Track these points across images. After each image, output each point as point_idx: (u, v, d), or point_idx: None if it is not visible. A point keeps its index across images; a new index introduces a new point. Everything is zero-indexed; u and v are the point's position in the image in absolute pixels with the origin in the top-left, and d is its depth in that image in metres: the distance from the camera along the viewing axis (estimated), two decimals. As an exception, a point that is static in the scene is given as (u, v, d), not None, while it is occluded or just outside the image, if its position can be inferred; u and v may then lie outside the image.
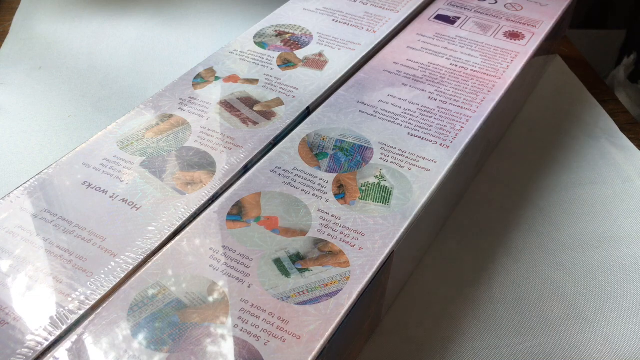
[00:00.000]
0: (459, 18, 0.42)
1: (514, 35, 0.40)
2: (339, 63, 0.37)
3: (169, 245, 0.26)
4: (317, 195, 0.28)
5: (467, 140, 0.32)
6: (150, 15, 0.51)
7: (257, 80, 0.35)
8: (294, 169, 0.30)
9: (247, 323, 0.23)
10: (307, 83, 0.35)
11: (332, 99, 0.34)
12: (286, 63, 0.37)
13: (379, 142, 0.31)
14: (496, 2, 0.44)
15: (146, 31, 0.49)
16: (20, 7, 0.51)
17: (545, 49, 0.42)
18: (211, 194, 0.28)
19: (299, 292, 0.24)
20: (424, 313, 0.30)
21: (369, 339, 0.28)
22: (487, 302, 0.31)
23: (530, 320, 0.30)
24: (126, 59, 0.46)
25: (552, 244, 0.34)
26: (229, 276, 0.24)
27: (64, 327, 0.23)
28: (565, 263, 0.33)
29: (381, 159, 0.30)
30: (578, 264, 0.33)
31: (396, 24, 0.41)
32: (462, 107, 0.34)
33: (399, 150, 0.31)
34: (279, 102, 0.33)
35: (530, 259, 0.33)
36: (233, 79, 0.35)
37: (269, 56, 0.37)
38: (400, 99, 0.34)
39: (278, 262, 0.25)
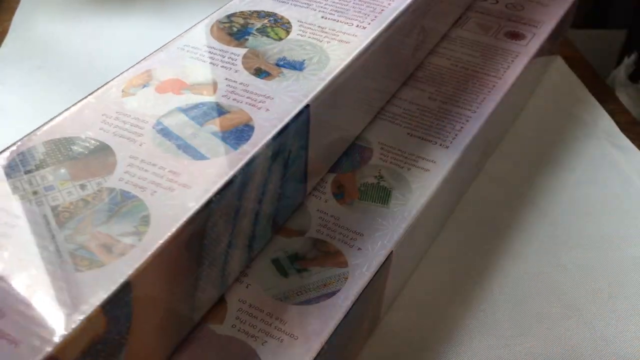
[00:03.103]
0: (459, 18, 0.42)
1: (514, 35, 0.40)
2: None
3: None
4: None
5: (467, 140, 0.32)
6: (150, 15, 0.51)
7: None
8: None
9: (244, 323, 0.23)
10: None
11: None
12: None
13: (379, 142, 0.31)
14: (497, 2, 0.44)
15: (146, 31, 0.49)
16: (20, 6, 0.51)
17: (546, 50, 0.42)
18: None
19: (297, 293, 0.24)
20: (423, 313, 0.30)
21: (368, 339, 0.28)
22: (486, 302, 0.31)
23: (530, 320, 0.30)
24: (126, 59, 0.46)
25: (552, 244, 0.34)
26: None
27: None
28: (565, 263, 0.33)
29: (381, 159, 0.30)
30: (578, 264, 0.33)
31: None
32: (462, 107, 0.34)
33: (399, 150, 0.31)
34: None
35: (530, 259, 0.33)
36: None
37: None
38: (400, 98, 0.34)
39: (276, 262, 0.25)
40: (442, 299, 0.31)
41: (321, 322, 0.23)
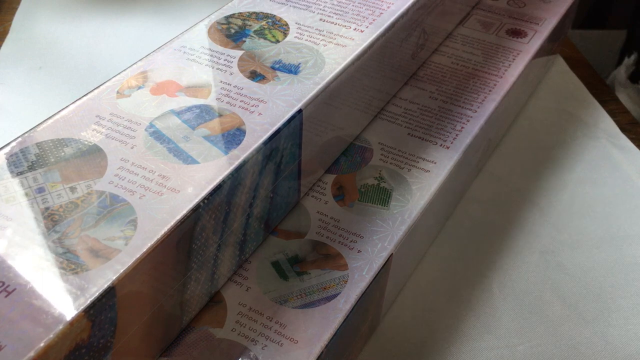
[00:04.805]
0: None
1: (516, 33, 0.40)
2: None
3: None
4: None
5: (467, 140, 0.32)
6: (150, 15, 0.51)
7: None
8: None
9: (244, 327, 0.23)
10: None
11: None
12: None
13: (379, 143, 0.31)
14: None
15: (146, 31, 0.49)
16: (21, 7, 0.51)
17: (547, 48, 0.42)
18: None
19: (297, 296, 0.24)
20: (423, 314, 0.30)
21: (367, 341, 0.28)
22: (487, 302, 0.31)
23: (530, 320, 0.30)
24: (126, 59, 0.46)
25: (552, 244, 0.34)
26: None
27: None
28: (565, 263, 0.33)
29: (381, 159, 0.30)
30: (578, 264, 0.33)
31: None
32: (463, 107, 0.34)
33: (399, 150, 0.31)
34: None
35: (530, 259, 0.33)
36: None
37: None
38: (400, 98, 0.34)
39: (276, 265, 0.25)
40: (442, 299, 0.31)
41: (321, 326, 0.23)
